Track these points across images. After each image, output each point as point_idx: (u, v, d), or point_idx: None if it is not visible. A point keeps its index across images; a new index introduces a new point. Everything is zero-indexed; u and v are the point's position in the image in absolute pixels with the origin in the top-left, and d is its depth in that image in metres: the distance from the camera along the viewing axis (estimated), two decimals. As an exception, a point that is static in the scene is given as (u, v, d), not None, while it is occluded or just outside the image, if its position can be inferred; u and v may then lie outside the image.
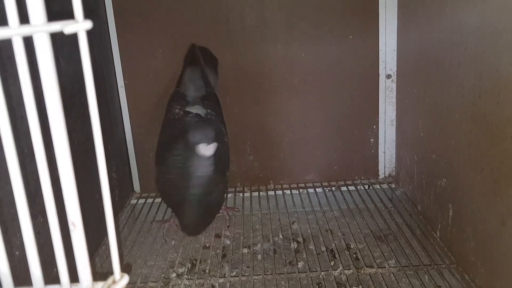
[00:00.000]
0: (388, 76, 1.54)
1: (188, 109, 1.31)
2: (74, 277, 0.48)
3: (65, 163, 0.44)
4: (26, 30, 0.38)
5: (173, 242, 1.35)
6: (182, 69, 1.44)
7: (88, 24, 0.42)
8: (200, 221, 1.28)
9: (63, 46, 1.18)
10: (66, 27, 0.40)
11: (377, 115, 1.58)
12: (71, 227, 0.46)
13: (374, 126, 1.60)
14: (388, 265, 1.15)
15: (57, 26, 0.40)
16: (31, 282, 0.47)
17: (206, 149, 1.12)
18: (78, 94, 1.23)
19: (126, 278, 0.50)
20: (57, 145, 0.43)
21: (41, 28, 0.39)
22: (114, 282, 0.49)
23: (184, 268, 1.27)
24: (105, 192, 0.48)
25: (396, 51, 1.51)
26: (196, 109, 1.30)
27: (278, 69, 1.55)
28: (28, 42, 0.39)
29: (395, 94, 1.56)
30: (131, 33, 1.52)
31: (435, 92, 1.20)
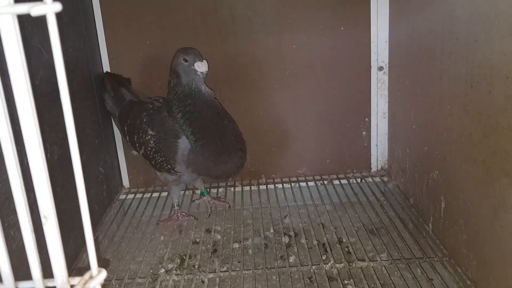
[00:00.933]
0: (380, 68, 1.52)
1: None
2: (49, 273, 0.46)
3: (34, 153, 0.41)
4: (-12, 10, 0.36)
5: (162, 237, 1.33)
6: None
7: (58, 6, 0.39)
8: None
9: (48, 37, 1.15)
10: (33, 8, 0.38)
11: (369, 108, 1.57)
12: (43, 220, 0.43)
13: (366, 119, 1.58)
14: (380, 258, 1.14)
15: (24, 7, 0.37)
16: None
17: (202, 65, 1.19)
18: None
19: (103, 273, 0.48)
20: (26, 135, 0.41)
21: (5, 9, 0.36)
22: (91, 277, 0.47)
23: (173, 263, 1.24)
24: (79, 183, 0.45)
25: (388, 42, 1.49)
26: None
27: (269, 61, 1.52)
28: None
29: (387, 86, 1.54)
30: (118, 24, 1.49)
31: (427, 83, 1.19)
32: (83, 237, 1.33)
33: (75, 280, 0.47)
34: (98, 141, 1.45)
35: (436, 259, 1.11)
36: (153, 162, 1.31)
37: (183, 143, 1.24)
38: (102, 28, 1.48)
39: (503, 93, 0.81)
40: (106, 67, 1.51)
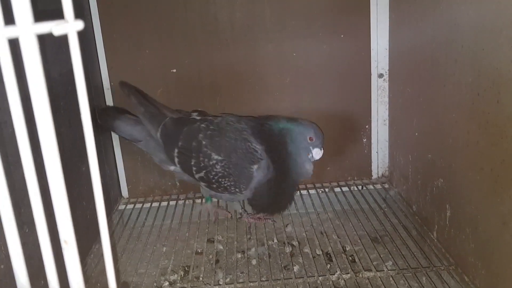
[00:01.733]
0: (380, 75, 1.52)
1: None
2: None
3: (55, 178, 0.40)
4: (11, 31, 0.34)
5: (164, 248, 1.31)
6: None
7: (80, 25, 0.39)
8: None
9: (47, 46, 1.13)
10: (55, 27, 0.36)
11: (370, 115, 1.57)
12: (63, 244, 0.42)
13: (367, 126, 1.58)
14: (386, 267, 1.13)
15: (46, 27, 0.36)
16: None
17: (319, 153, 1.19)
18: (63, 97, 1.19)
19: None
20: (47, 155, 0.40)
21: (28, 29, 0.35)
22: (110, 298, 0.46)
23: (176, 275, 1.23)
24: (98, 201, 0.44)
25: (388, 49, 1.49)
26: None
27: (269, 68, 1.52)
28: (13, 44, 0.36)
29: (387, 93, 1.54)
30: (117, 33, 1.47)
31: (430, 90, 1.19)
32: (83, 249, 1.30)
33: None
34: (98, 152, 1.43)
35: (442, 268, 1.10)
36: (214, 186, 1.20)
37: (260, 171, 1.16)
38: (101, 37, 1.46)
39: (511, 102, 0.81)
40: (105, 77, 1.50)
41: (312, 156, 1.17)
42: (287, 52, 1.50)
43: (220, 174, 1.17)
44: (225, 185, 1.18)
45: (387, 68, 1.51)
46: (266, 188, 1.18)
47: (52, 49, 1.15)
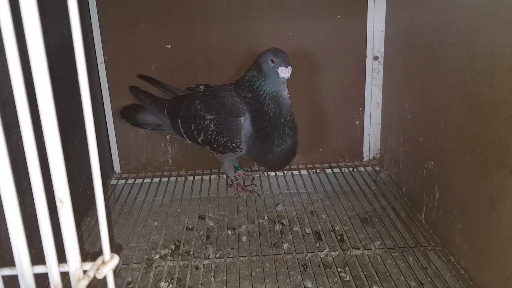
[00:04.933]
0: (375, 58, 1.52)
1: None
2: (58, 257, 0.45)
3: (52, 137, 0.40)
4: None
5: (155, 223, 1.32)
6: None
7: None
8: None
9: (42, 16, 1.12)
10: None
11: (363, 97, 1.57)
12: (58, 204, 0.42)
13: (360, 108, 1.59)
14: (374, 246, 1.15)
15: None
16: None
17: (285, 71, 1.17)
18: (58, 69, 1.18)
19: (116, 259, 0.47)
20: (44, 119, 0.40)
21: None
22: (103, 263, 0.46)
23: (167, 249, 1.24)
24: (95, 172, 0.45)
25: (384, 32, 1.50)
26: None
27: (265, 47, 1.50)
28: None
29: (381, 76, 1.54)
30: (112, 6, 1.45)
31: (424, 73, 1.19)
32: (78, 215, 1.29)
33: (88, 266, 0.46)
34: (90, 125, 1.43)
35: (429, 248, 1.12)
36: (215, 145, 1.29)
37: (246, 124, 1.22)
38: (96, 10, 1.45)
39: (505, 85, 0.82)
40: (99, 51, 1.48)
41: (281, 77, 1.17)
42: (283, 32, 1.50)
43: (215, 132, 1.26)
44: (222, 142, 1.26)
45: (383, 50, 1.51)
46: (258, 135, 1.21)
47: (47, 19, 1.14)
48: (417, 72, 1.25)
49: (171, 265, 1.13)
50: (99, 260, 0.47)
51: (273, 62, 1.17)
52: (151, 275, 1.08)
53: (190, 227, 1.34)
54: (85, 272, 0.46)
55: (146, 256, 1.17)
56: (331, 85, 1.56)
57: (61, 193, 0.42)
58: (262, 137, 1.21)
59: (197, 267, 1.14)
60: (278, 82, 1.18)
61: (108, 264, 0.46)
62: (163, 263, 1.13)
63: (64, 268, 0.45)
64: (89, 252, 1.20)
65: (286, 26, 1.49)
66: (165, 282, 1.11)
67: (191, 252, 1.17)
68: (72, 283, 0.45)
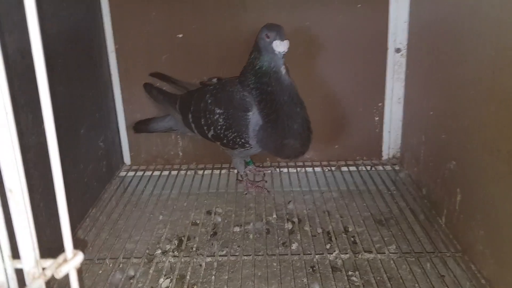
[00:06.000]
0: (397, 50, 1.44)
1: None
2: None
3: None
4: None
5: (161, 217, 1.27)
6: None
7: None
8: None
9: (47, 4, 1.08)
10: None
11: (384, 92, 1.49)
12: (8, 194, 0.37)
13: (380, 104, 1.50)
14: (388, 250, 1.08)
15: None
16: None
17: (281, 45, 1.10)
18: (61, 55, 1.14)
19: (79, 256, 0.41)
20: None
21: None
22: (65, 260, 0.41)
23: (171, 244, 1.19)
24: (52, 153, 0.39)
25: (407, 22, 1.41)
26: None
27: (280, 38, 1.44)
28: None
29: (404, 69, 1.46)
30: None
31: (449, 66, 1.11)
32: (78, 212, 1.26)
33: (46, 263, 0.41)
34: (99, 116, 1.39)
35: (448, 255, 1.04)
36: (224, 141, 1.24)
37: (254, 117, 1.17)
38: (107, -3, 1.41)
39: (537, 77, 0.74)
40: (110, 39, 1.44)
41: (276, 51, 1.11)
42: (300, 21, 1.43)
43: (224, 127, 1.22)
44: (231, 137, 1.22)
45: (405, 42, 1.42)
46: (268, 121, 1.16)
47: (51, 4, 1.10)
48: (441, 65, 1.16)
49: (173, 261, 1.08)
50: (60, 258, 0.42)
51: (268, 37, 1.11)
52: (151, 271, 1.03)
53: (197, 222, 1.29)
54: (44, 270, 0.41)
55: (148, 251, 1.13)
56: (349, 78, 1.48)
57: (9, 182, 0.36)
58: (272, 122, 1.15)
59: (199, 265, 1.08)
60: (276, 57, 1.12)
61: (69, 262, 0.41)
62: (164, 259, 1.08)
63: (18, 264, 0.40)
64: (93, 244, 1.16)
65: (303, 15, 1.42)
66: (165, 278, 1.06)
67: (195, 248, 1.12)
68: (27, 282, 0.40)
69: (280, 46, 1.10)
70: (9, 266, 0.40)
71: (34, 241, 0.40)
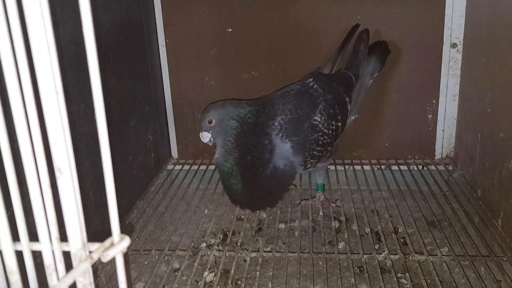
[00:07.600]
0: (453, 45, 1.38)
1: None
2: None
3: (48, 94, 0.35)
4: None
5: (206, 211, 1.28)
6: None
7: None
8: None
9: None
10: None
11: (438, 89, 1.43)
12: (57, 173, 0.38)
13: (434, 101, 1.45)
14: (440, 253, 1.03)
15: None
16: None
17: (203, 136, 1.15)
18: (113, 48, 1.16)
19: (126, 241, 0.41)
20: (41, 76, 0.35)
21: None
22: (112, 244, 0.41)
23: (215, 238, 1.20)
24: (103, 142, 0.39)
25: (464, 16, 1.34)
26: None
27: (330, 32, 1.41)
28: None
29: (460, 65, 1.39)
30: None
31: (508, 61, 1.04)
32: (127, 203, 1.27)
33: (93, 247, 0.41)
34: (148, 109, 1.42)
35: (505, 259, 0.98)
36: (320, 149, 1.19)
37: None
38: (158, -8, 1.43)
39: None
40: (161, 33, 1.47)
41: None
42: (351, 15, 1.39)
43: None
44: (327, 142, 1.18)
45: (462, 37, 1.36)
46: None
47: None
48: (500, 60, 1.10)
49: (217, 255, 1.08)
50: (107, 242, 0.42)
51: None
52: (196, 263, 1.04)
53: (242, 217, 1.28)
54: (90, 253, 0.41)
55: (193, 244, 1.14)
56: (402, 74, 1.43)
57: (59, 161, 0.37)
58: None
59: (244, 259, 1.08)
60: None
61: (116, 246, 0.41)
62: (209, 252, 1.08)
63: (66, 247, 0.41)
64: (139, 235, 1.18)
65: (354, 9, 1.39)
66: (209, 272, 1.06)
67: (239, 243, 1.12)
68: (74, 265, 0.41)
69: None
70: (57, 248, 0.40)
71: (82, 223, 0.41)
